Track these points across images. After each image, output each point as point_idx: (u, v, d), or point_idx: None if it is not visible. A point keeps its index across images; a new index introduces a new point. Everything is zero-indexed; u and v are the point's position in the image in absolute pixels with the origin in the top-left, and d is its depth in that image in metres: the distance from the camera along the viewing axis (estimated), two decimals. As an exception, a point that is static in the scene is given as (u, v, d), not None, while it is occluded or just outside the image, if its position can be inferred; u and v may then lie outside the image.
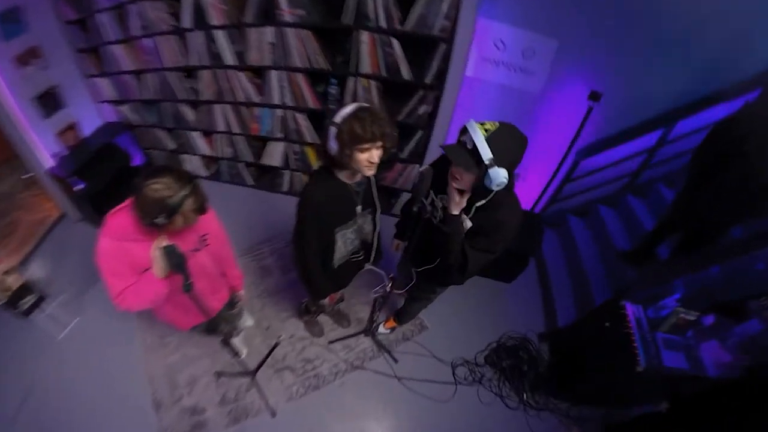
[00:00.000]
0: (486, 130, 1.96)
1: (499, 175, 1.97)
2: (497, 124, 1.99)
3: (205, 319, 2.68)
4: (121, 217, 2.10)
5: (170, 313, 2.64)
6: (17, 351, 4.03)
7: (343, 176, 2.36)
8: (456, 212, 2.26)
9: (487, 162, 1.95)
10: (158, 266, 2.14)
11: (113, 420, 3.52)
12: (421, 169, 2.24)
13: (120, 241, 2.10)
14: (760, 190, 3.05)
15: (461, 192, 2.21)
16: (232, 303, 3.11)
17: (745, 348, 2.99)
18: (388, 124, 2.16)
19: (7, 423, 3.63)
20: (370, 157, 2.17)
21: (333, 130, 2.14)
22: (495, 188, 2.04)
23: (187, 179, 2.02)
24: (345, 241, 2.65)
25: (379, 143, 2.17)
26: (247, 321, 3.91)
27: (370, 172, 2.26)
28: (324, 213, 2.37)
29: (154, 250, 2.11)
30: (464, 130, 2.05)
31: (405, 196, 4.87)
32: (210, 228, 2.47)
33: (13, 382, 3.82)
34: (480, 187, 2.10)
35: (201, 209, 2.11)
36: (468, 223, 2.28)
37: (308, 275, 2.67)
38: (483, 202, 2.21)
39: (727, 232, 3.45)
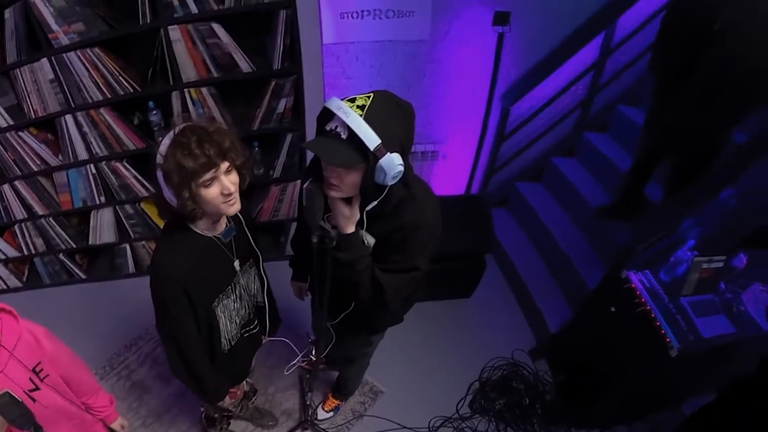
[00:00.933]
0: (360, 107, 1.73)
1: (394, 163, 1.75)
2: (371, 94, 1.77)
3: None
4: None
5: None
6: None
7: (201, 228, 2.06)
8: (351, 229, 2.03)
9: (374, 149, 1.72)
10: None
11: None
12: (306, 185, 2.04)
13: None
14: (747, 76, 2.88)
15: (348, 201, 1.98)
16: None
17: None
18: (225, 136, 1.86)
19: None
20: (222, 188, 1.86)
21: (159, 174, 1.83)
22: (391, 182, 1.82)
23: None
24: (229, 315, 2.32)
25: (225, 164, 1.86)
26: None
27: (235, 208, 1.96)
28: (191, 287, 2.04)
29: None
30: (327, 115, 1.82)
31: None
32: (43, 353, 2.04)
33: None
34: (368, 187, 1.87)
35: None
36: (370, 239, 2.07)
37: (193, 375, 2.35)
38: (375, 204, 1.94)
39: (726, 140, 3.28)
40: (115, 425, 2.57)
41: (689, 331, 2.70)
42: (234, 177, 1.91)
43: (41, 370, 1.99)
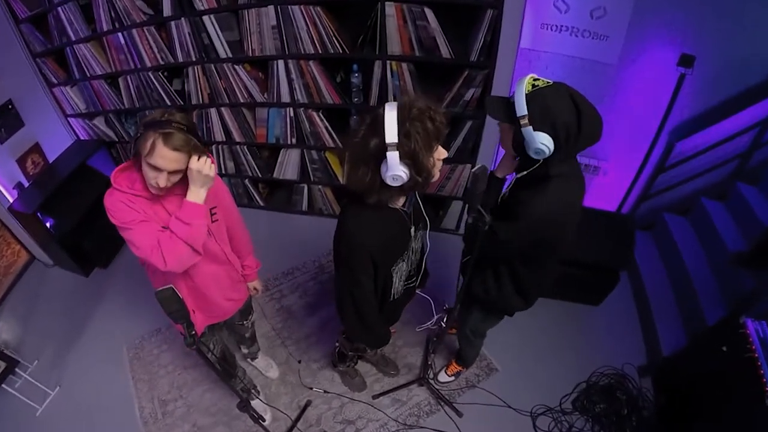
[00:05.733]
0: (533, 86, 2.11)
1: (535, 140, 2.10)
2: (551, 82, 2.14)
3: (215, 320, 2.93)
4: (128, 173, 2.31)
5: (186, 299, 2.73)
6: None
7: (393, 202, 2.27)
8: (499, 174, 2.54)
9: (519, 117, 2.10)
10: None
11: None
12: (474, 170, 2.25)
13: (129, 193, 2.28)
14: None
15: (514, 157, 2.40)
16: (246, 310, 3.30)
17: None
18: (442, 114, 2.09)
19: None
20: (439, 154, 2.10)
21: (393, 154, 1.93)
22: (533, 155, 2.17)
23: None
24: (401, 275, 2.61)
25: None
26: (270, 371, 4.00)
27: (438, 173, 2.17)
28: (379, 255, 2.30)
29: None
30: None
31: (456, 206, 5.03)
32: (221, 199, 2.66)
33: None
34: (516, 150, 2.28)
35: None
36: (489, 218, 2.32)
37: (366, 326, 2.63)
38: (524, 173, 2.35)
39: None
40: (253, 284, 3.23)
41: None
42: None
43: (214, 213, 2.56)
